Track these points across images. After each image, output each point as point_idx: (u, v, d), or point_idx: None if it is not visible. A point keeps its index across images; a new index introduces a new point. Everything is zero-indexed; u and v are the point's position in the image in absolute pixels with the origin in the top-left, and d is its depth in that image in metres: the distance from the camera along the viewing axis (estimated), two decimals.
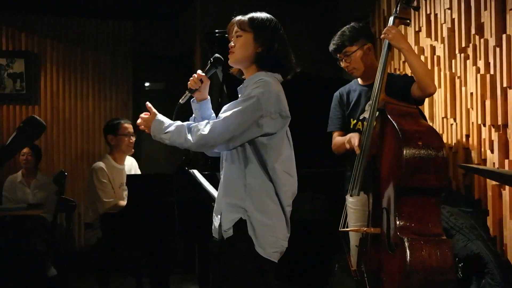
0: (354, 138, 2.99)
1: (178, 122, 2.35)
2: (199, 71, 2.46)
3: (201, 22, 5.95)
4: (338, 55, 3.25)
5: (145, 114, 2.42)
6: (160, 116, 2.38)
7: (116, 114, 6.08)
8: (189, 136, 2.29)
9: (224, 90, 4.02)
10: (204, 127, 2.27)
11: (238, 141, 2.28)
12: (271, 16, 2.46)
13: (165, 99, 6.82)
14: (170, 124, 2.34)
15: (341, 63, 3.27)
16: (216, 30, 4.22)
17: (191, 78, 2.44)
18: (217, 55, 2.46)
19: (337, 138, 3.28)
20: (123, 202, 4.13)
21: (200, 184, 3.63)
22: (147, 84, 6.98)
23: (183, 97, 2.43)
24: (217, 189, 2.49)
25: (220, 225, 2.34)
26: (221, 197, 2.37)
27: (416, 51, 4.18)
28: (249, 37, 2.37)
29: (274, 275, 2.33)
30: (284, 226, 2.34)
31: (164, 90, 6.95)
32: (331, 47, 3.26)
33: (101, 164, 4.31)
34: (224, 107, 2.35)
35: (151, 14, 6.51)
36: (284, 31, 2.45)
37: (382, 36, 3.00)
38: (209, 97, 2.52)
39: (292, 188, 2.38)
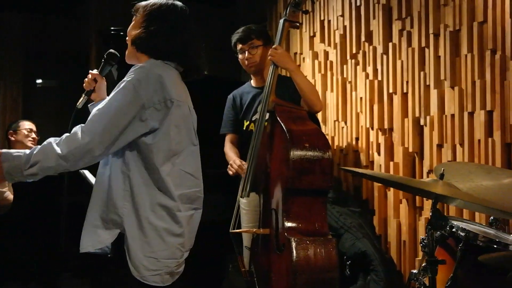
0: (234, 164, 3.07)
1: (37, 147, 1.95)
2: (94, 70, 2.29)
3: (96, 18, 5.78)
4: (241, 46, 3.23)
5: None
6: (5, 151, 1.94)
7: (5, 112, 5.76)
8: (58, 150, 1.89)
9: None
10: (75, 134, 1.91)
11: (120, 142, 1.95)
12: (174, 2, 2.17)
13: (58, 97, 6.57)
14: (27, 152, 1.92)
15: (241, 55, 3.25)
16: (112, 28, 4.11)
17: (86, 79, 2.26)
18: (111, 50, 2.28)
19: (228, 150, 3.31)
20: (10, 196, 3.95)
21: (90, 185, 3.51)
22: (39, 81, 6.68)
23: (80, 101, 2.24)
24: None
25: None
26: (95, 211, 2.02)
27: (310, 56, 4.31)
28: (138, 19, 2.11)
29: None
30: (173, 240, 2.02)
31: (57, 87, 6.69)
32: (237, 36, 3.23)
33: None
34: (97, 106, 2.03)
35: (43, 7, 6.22)
36: (191, 22, 2.17)
37: (270, 58, 3.03)
38: (107, 97, 2.21)
39: (194, 190, 2.09)
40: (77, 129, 1.95)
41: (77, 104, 2.23)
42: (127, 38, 2.16)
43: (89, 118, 2.00)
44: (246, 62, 3.24)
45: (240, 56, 3.27)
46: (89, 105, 2.30)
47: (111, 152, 1.97)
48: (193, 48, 2.14)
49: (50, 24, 6.40)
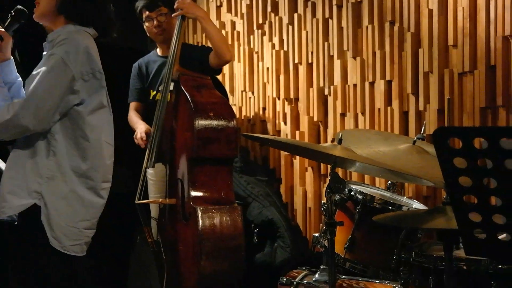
0: (139, 132, 3.02)
1: None
2: None
3: None
4: (148, 13, 3.15)
5: None
6: None
7: None
8: None
9: (17, 57, 3.71)
10: (9, 108, 1.95)
11: (55, 116, 1.98)
12: None
13: None
14: None
15: (148, 23, 3.16)
16: None
17: None
18: (19, 7, 2.17)
19: (131, 115, 3.25)
20: None
21: None
22: None
23: None
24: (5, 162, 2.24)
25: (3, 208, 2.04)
26: (9, 178, 2.04)
27: (217, 26, 4.27)
28: None
29: (85, 269, 2.13)
30: (94, 210, 2.10)
31: None
32: (143, 3, 3.15)
33: None
34: (29, 79, 2.05)
35: None
36: None
37: (177, 13, 2.98)
38: (12, 57, 2.24)
39: (112, 159, 2.17)
40: (14, 104, 1.97)
41: None
42: None
43: (24, 95, 2.03)
44: (155, 30, 3.16)
45: (147, 24, 3.18)
46: None
47: (46, 125, 1.99)
48: (107, 11, 2.19)
49: None
